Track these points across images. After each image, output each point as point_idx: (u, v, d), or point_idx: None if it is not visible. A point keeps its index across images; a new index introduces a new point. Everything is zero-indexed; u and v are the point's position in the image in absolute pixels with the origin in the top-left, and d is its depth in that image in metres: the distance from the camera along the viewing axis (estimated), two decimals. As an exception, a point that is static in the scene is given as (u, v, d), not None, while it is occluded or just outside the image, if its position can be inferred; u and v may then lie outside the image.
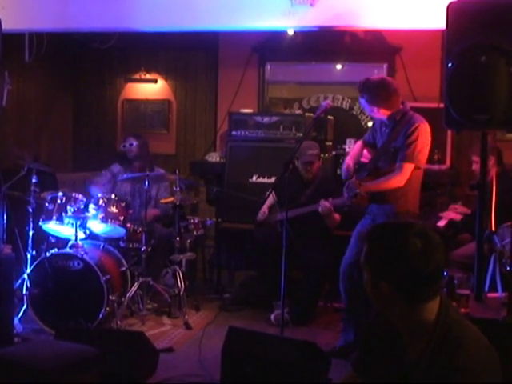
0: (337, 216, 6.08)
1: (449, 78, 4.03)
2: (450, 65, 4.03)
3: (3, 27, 5.18)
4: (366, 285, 2.26)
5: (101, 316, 5.68)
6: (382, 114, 5.03)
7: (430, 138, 5.00)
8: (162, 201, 6.81)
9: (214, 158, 7.96)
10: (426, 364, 2.17)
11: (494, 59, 3.87)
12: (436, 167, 6.89)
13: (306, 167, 6.33)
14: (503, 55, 3.85)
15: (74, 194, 6.04)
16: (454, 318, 2.22)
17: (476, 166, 5.99)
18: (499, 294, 4.28)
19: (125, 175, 6.64)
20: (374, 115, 5.18)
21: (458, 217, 6.30)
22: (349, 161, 5.24)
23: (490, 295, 4.28)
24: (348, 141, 7.21)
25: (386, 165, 5.02)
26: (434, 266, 2.16)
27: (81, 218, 5.99)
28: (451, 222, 6.31)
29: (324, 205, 5.94)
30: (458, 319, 2.23)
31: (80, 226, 6.00)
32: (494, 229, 4.36)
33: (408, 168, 4.88)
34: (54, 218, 5.93)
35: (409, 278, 2.16)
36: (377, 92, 4.99)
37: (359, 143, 5.50)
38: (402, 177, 4.87)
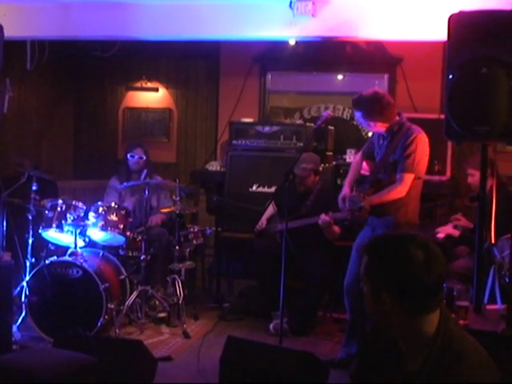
0: (336, 228, 6.07)
1: (449, 90, 4.04)
2: (450, 76, 4.03)
3: (5, 34, 5.18)
4: (366, 297, 2.25)
5: (99, 324, 5.67)
6: (380, 127, 5.04)
7: (428, 148, 5.01)
8: (163, 210, 6.81)
9: (214, 166, 7.96)
10: (425, 376, 2.16)
11: (494, 71, 3.88)
12: (436, 178, 6.88)
13: (298, 180, 6.31)
14: (504, 67, 3.86)
15: (73, 202, 6.04)
16: (453, 330, 2.22)
17: (471, 179, 5.99)
18: (498, 306, 4.27)
19: (125, 183, 6.63)
20: (372, 129, 5.20)
21: (456, 233, 6.27)
22: (346, 190, 5.24)
23: (489, 307, 4.27)
24: (348, 151, 7.22)
25: (387, 177, 5.02)
26: (435, 278, 2.17)
27: (80, 225, 5.99)
28: (449, 237, 6.30)
29: (324, 219, 5.93)
30: (457, 332, 2.23)
31: (79, 234, 6.00)
32: (493, 241, 4.36)
33: (409, 178, 4.89)
34: (54, 225, 5.93)
35: (411, 290, 2.17)
36: (371, 106, 4.99)
37: (358, 157, 5.51)
38: (404, 187, 4.88)
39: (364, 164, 5.42)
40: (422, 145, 4.94)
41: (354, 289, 5.09)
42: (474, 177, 5.85)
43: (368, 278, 2.24)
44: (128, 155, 7.07)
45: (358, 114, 5.11)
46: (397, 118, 5.04)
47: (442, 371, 2.13)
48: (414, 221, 5.06)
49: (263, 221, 6.53)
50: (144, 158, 7.04)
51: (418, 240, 2.21)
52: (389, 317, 2.23)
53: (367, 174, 5.26)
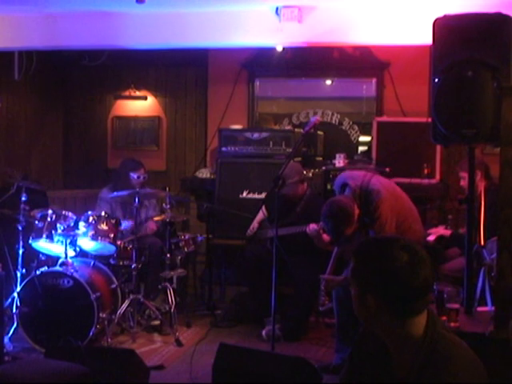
0: (326, 237, 6.07)
1: (435, 93, 4.06)
2: (436, 80, 4.06)
3: (-8, 46, 5.19)
4: (353, 300, 2.26)
5: (91, 334, 5.66)
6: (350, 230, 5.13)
7: (394, 196, 5.13)
8: (155, 219, 6.80)
9: (204, 174, 7.97)
10: (414, 379, 2.16)
11: (480, 74, 3.91)
12: (426, 181, 6.90)
13: (290, 194, 6.28)
14: (489, 70, 3.89)
15: (63, 212, 6.02)
16: (441, 332, 2.22)
17: (464, 182, 6.01)
18: (489, 308, 4.29)
19: (115, 193, 6.61)
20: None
21: (448, 232, 6.32)
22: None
23: (479, 309, 4.29)
24: (338, 156, 7.23)
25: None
26: (421, 280, 2.15)
27: (71, 235, 5.97)
28: (441, 237, 6.33)
29: (312, 228, 5.95)
30: (445, 334, 2.23)
31: (70, 244, 5.98)
32: (482, 243, 4.38)
33: None
34: (44, 235, 5.91)
35: (395, 292, 2.16)
36: (341, 221, 5.08)
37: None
38: None
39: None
40: (384, 206, 5.06)
41: (339, 293, 5.15)
42: (466, 180, 5.88)
43: (354, 280, 2.25)
44: (132, 174, 6.95)
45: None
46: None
47: (430, 373, 2.13)
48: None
49: (255, 224, 6.53)
50: (146, 177, 6.98)
51: (402, 242, 2.20)
52: (375, 319, 2.23)
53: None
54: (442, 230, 6.43)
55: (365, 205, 5.06)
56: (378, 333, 2.28)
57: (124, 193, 6.47)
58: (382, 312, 2.19)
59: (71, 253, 6.04)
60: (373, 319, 2.23)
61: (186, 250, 6.63)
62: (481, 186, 5.91)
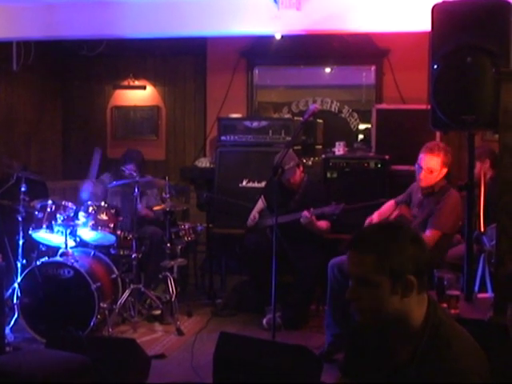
0: (323, 223, 6.06)
1: (435, 80, 4.05)
2: (435, 66, 4.04)
3: (-10, 36, 5.17)
4: (379, 294, 2.22)
5: (92, 324, 5.67)
6: None
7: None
8: (154, 208, 6.79)
9: (203, 163, 7.96)
10: (415, 365, 2.17)
11: (479, 60, 3.89)
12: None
13: (287, 179, 6.26)
14: (488, 56, 3.87)
15: (63, 202, 6.02)
16: (442, 319, 2.23)
17: (477, 169, 5.99)
18: (489, 294, 4.29)
19: (114, 182, 6.60)
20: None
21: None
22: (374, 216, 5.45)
23: (480, 296, 4.29)
24: (337, 144, 7.21)
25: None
26: (427, 254, 2.25)
27: (71, 225, 5.97)
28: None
29: (304, 215, 5.94)
30: (446, 320, 2.24)
31: (70, 234, 5.99)
32: (482, 229, 4.37)
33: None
34: (44, 226, 5.92)
35: (422, 266, 2.22)
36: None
37: (390, 203, 5.61)
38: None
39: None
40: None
41: (335, 272, 5.18)
42: (477, 168, 5.86)
43: (382, 271, 2.21)
44: (121, 167, 6.88)
45: None
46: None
47: (431, 358, 2.14)
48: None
49: (255, 214, 6.52)
50: (134, 174, 6.79)
51: (399, 223, 2.26)
52: (382, 303, 2.22)
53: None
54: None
55: None
56: (379, 321, 2.26)
57: (123, 182, 6.47)
58: (393, 293, 2.20)
59: (71, 243, 6.05)
60: (380, 302, 2.21)
61: (186, 239, 6.63)
62: (489, 174, 5.91)
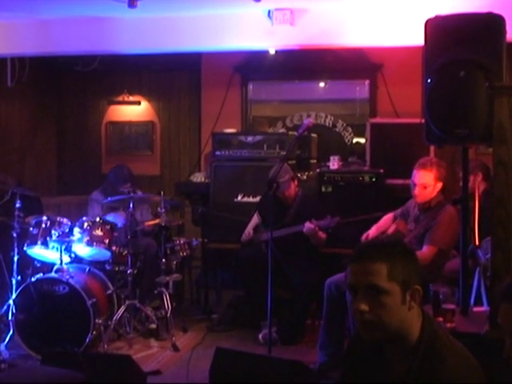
0: (322, 234, 6.07)
1: (428, 94, 4.06)
2: (429, 80, 4.06)
3: (-15, 53, 5.18)
4: (391, 306, 2.23)
5: (87, 340, 5.64)
6: None
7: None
8: (147, 223, 6.77)
9: (198, 178, 7.96)
10: (411, 379, 2.17)
11: (472, 74, 3.91)
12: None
13: (281, 193, 6.26)
14: (481, 70, 3.88)
15: (58, 218, 6.01)
16: (437, 333, 2.24)
17: (471, 184, 6.00)
18: (485, 307, 4.29)
19: (109, 198, 6.59)
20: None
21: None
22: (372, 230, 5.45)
23: (475, 309, 4.29)
24: (332, 158, 7.22)
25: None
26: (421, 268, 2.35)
27: (66, 241, 5.95)
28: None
29: (309, 227, 5.94)
30: (441, 334, 2.24)
31: (65, 250, 5.96)
32: (477, 243, 4.38)
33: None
34: (39, 242, 5.89)
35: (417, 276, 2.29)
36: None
37: (389, 216, 5.61)
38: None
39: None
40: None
41: (332, 290, 5.15)
42: (471, 181, 5.86)
43: (395, 282, 2.25)
44: (119, 188, 6.81)
45: None
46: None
47: (427, 372, 2.14)
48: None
49: (250, 230, 6.51)
50: (132, 192, 6.76)
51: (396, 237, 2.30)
52: (391, 313, 2.23)
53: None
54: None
55: None
56: (376, 335, 2.26)
57: (118, 197, 6.45)
58: (405, 305, 2.24)
59: (66, 259, 6.02)
60: (391, 317, 2.22)
61: (181, 254, 6.61)
62: (481, 187, 5.92)
